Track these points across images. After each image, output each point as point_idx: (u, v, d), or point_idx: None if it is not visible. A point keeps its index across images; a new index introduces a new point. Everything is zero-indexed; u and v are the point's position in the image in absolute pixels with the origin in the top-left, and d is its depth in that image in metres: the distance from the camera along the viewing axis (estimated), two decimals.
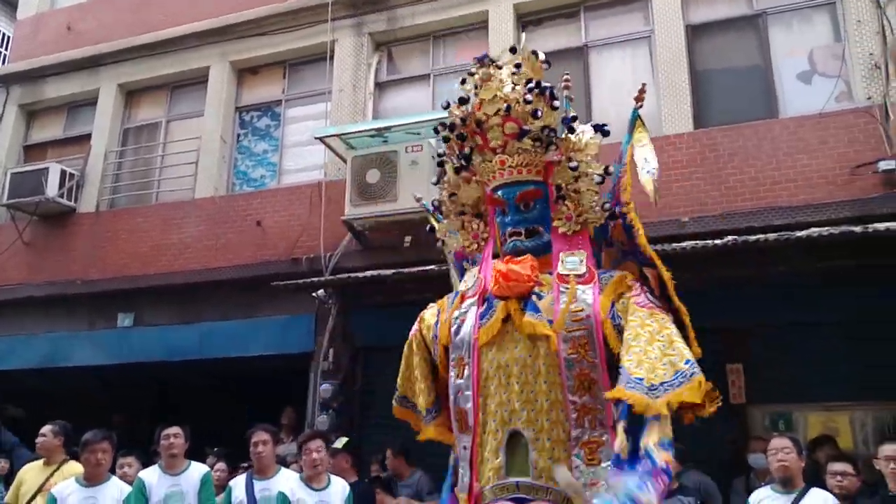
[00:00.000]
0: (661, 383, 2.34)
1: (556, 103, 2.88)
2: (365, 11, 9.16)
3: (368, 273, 7.40)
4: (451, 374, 2.81)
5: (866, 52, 6.90)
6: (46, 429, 5.62)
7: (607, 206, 2.84)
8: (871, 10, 6.97)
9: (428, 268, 6.72)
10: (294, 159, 9.40)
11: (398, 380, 3.09)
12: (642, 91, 2.90)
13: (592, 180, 2.88)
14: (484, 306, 2.79)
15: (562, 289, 2.66)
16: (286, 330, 8.37)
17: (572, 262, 2.75)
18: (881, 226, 5.91)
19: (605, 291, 2.65)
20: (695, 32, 7.82)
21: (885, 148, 6.56)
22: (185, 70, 10.12)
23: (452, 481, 2.85)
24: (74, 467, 5.41)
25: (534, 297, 2.69)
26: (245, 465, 6.18)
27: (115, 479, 4.93)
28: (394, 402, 3.13)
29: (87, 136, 10.47)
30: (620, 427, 2.40)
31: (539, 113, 2.84)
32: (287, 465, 5.76)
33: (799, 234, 6.02)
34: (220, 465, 6.25)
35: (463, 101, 2.96)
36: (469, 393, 2.72)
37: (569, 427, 2.52)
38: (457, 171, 3.04)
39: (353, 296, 7.97)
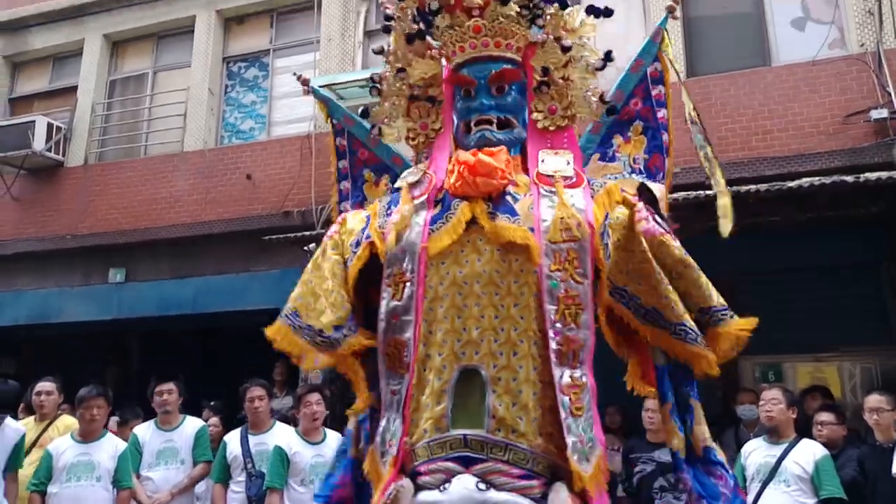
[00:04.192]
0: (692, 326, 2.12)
1: None
2: None
3: None
4: (384, 295, 2.20)
5: None
6: (50, 386, 5.55)
7: (609, 97, 2.40)
8: None
9: None
10: (283, 111, 9.30)
11: (292, 294, 2.38)
12: (673, 5, 2.58)
13: (587, 67, 2.39)
14: (437, 209, 2.21)
15: (544, 191, 2.18)
16: (279, 284, 8.35)
17: (556, 162, 2.29)
18: (872, 175, 5.88)
19: (597, 201, 2.20)
20: None
21: (877, 96, 6.51)
22: (172, 19, 9.92)
23: (354, 446, 2.32)
24: (67, 421, 5.47)
25: (508, 199, 2.17)
26: (241, 415, 6.25)
27: (109, 435, 4.97)
28: (279, 320, 2.32)
29: (74, 89, 10.32)
30: (669, 412, 2.17)
31: None
32: (287, 420, 5.78)
33: (790, 184, 5.99)
34: (215, 420, 6.31)
35: None
36: (410, 318, 2.12)
37: (540, 364, 2.02)
38: (409, 39, 2.41)
39: None
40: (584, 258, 2.07)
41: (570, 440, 1.93)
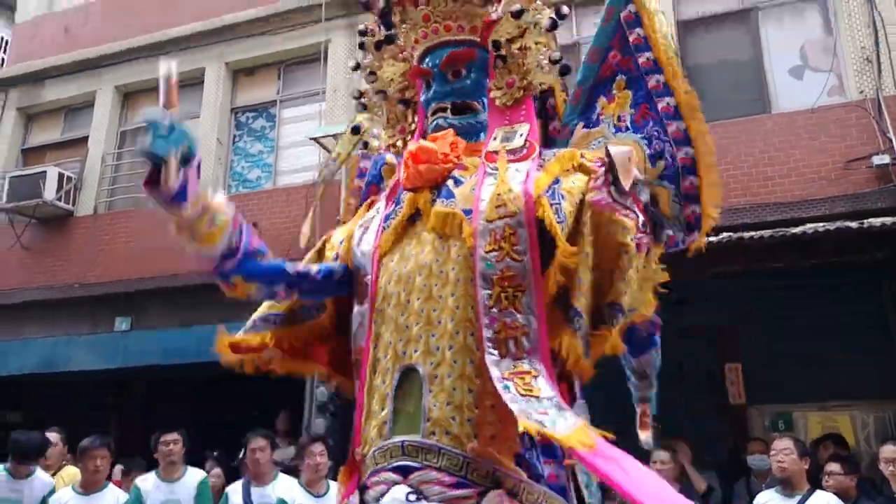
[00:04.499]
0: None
1: None
2: (358, 11, 9.11)
3: None
4: (354, 302, 2.14)
5: (858, 46, 6.90)
6: (55, 437, 5.60)
7: (556, 55, 2.20)
8: (862, 3, 6.96)
9: None
10: (289, 160, 9.43)
11: None
12: None
13: (541, 30, 2.22)
14: (392, 206, 2.14)
15: (489, 169, 2.02)
16: None
17: (507, 136, 2.13)
18: (876, 221, 5.89)
19: (546, 169, 1.99)
20: (686, 28, 7.81)
21: (878, 142, 6.55)
22: (181, 72, 9.82)
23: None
24: (72, 471, 5.44)
25: (450, 183, 2.04)
26: (235, 463, 6.19)
27: (111, 487, 4.94)
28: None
29: (85, 139, 10.50)
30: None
31: None
32: (289, 471, 5.71)
33: (794, 230, 6.01)
34: (217, 471, 6.25)
35: None
36: (367, 321, 2.03)
37: (478, 357, 1.82)
38: (377, 47, 2.40)
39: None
40: (522, 233, 1.85)
41: (516, 408, 1.65)
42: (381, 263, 2.04)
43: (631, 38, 2.26)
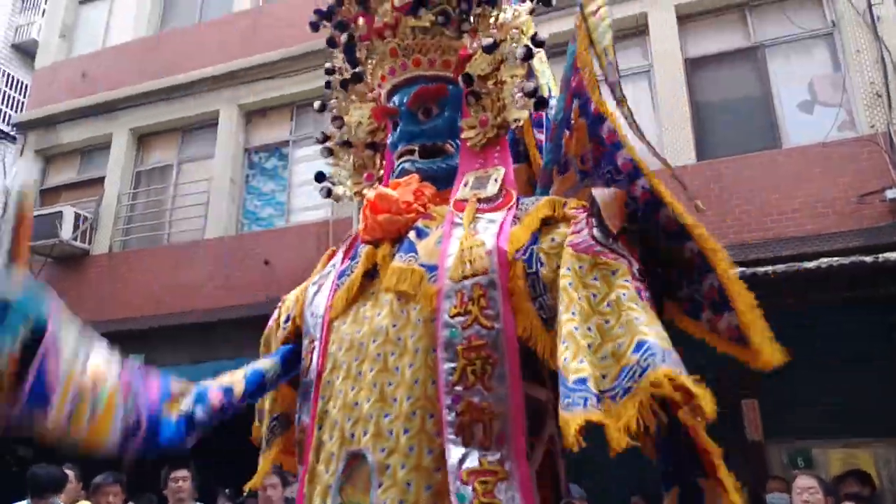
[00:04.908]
0: (604, 391, 1.33)
1: None
2: None
3: None
4: (301, 371, 1.86)
5: (867, 81, 6.93)
6: (69, 472, 5.58)
7: (530, 86, 1.86)
8: (870, 39, 7.01)
9: None
10: (302, 198, 9.51)
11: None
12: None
13: (516, 61, 1.91)
14: (349, 261, 1.90)
15: (457, 220, 1.73)
16: None
17: (479, 182, 1.83)
18: (892, 255, 5.86)
19: (523, 221, 1.68)
20: (694, 66, 7.89)
21: (891, 176, 6.53)
22: (196, 114, 10.30)
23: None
24: None
25: (412, 235, 1.77)
26: (241, 499, 6.14)
27: None
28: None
29: (101, 180, 10.65)
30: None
31: None
32: None
33: (808, 264, 5.97)
34: None
35: None
36: (313, 394, 1.75)
37: (439, 445, 1.50)
38: (342, 86, 2.17)
39: None
40: (495, 294, 1.56)
41: None
42: (332, 327, 1.78)
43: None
